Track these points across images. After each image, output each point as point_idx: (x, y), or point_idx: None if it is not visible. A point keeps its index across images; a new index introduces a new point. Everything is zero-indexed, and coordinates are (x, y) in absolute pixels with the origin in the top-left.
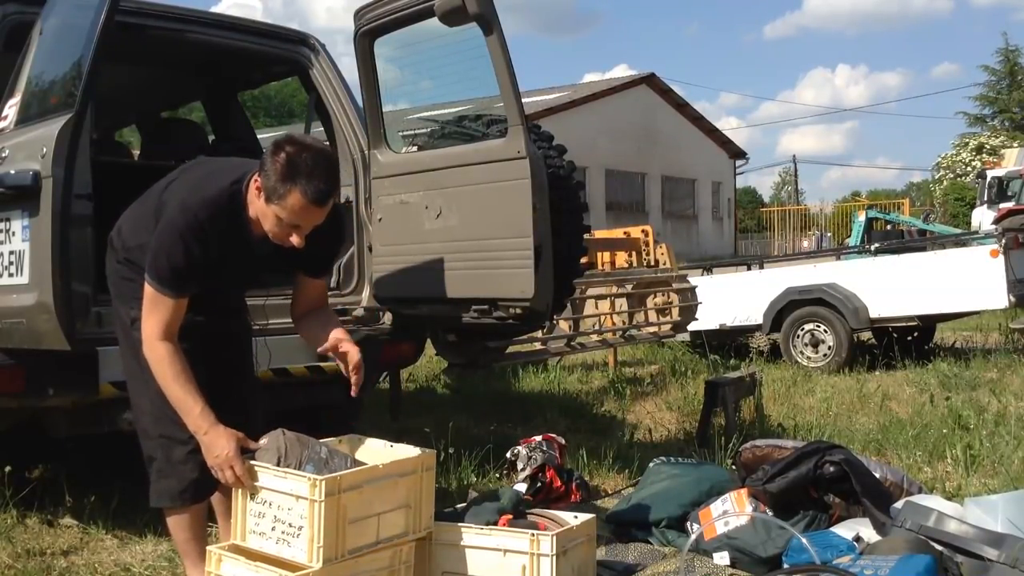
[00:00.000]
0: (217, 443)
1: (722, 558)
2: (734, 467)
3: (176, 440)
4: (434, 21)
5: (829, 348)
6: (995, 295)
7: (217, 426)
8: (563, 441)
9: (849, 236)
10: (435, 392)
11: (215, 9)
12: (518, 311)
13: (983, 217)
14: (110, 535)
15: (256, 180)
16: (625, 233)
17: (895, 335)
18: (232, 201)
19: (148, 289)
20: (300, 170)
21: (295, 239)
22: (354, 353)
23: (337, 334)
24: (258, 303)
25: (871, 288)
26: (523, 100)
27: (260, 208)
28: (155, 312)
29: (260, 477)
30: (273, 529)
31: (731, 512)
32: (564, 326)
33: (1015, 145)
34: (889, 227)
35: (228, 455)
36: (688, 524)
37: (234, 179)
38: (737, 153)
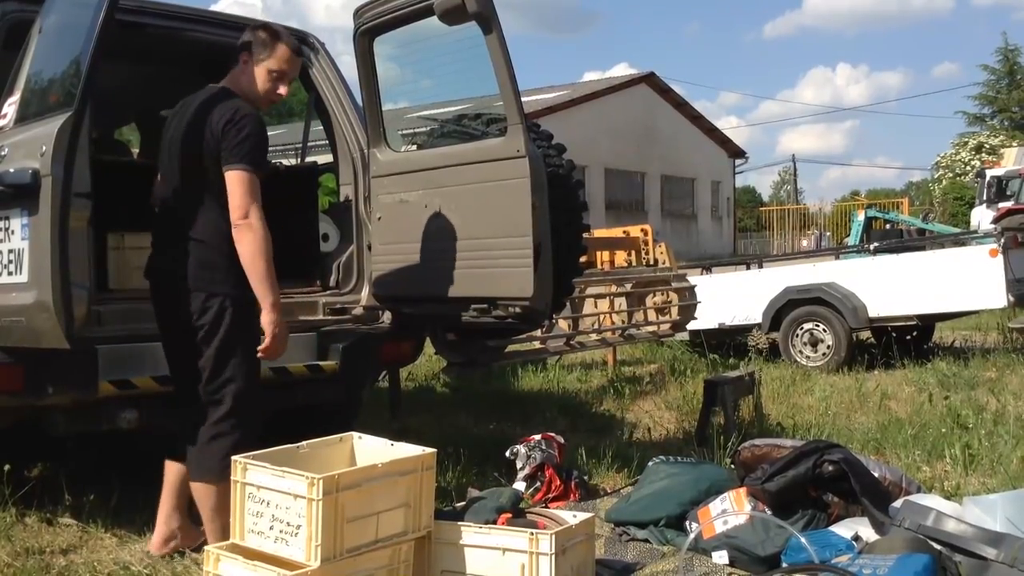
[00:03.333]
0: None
1: (721, 557)
2: (733, 466)
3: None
4: (434, 20)
5: (828, 347)
6: (994, 294)
7: None
8: (562, 440)
9: (848, 235)
10: (434, 391)
11: (215, 8)
12: (517, 310)
13: (982, 216)
14: (109, 534)
15: (245, 62)
16: (624, 232)
17: (894, 334)
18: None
19: (246, 176)
20: (280, 34)
21: (282, 89)
22: None
23: None
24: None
25: (870, 287)
26: (522, 99)
27: (252, 76)
28: (256, 197)
29: (258, 476)
30: (271, 528)
31: (730, 511)
32: (563, 325)
33: (1014, 144)
34: (888, 226)
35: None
36: (687, 523)
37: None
38: (736, 152)
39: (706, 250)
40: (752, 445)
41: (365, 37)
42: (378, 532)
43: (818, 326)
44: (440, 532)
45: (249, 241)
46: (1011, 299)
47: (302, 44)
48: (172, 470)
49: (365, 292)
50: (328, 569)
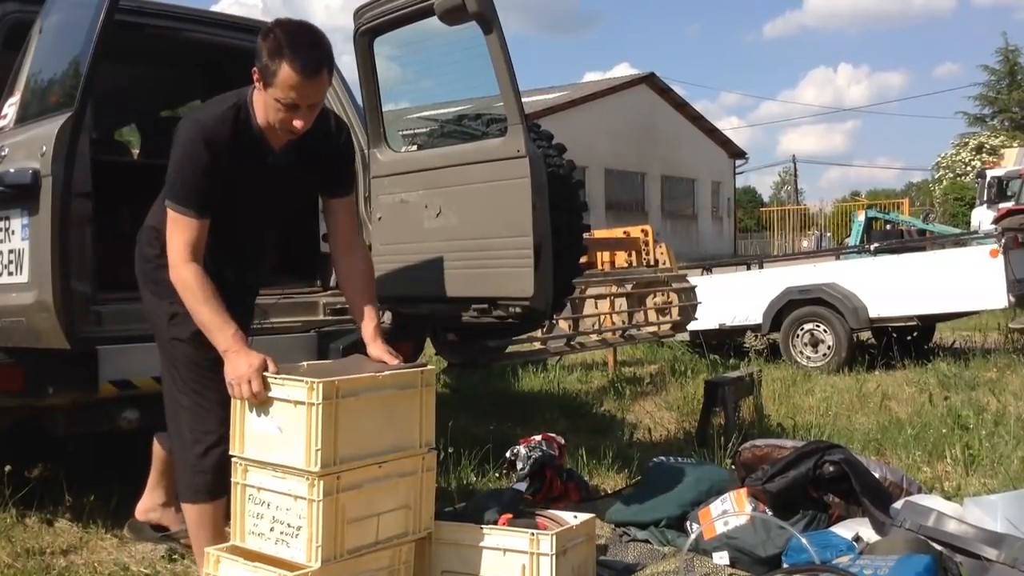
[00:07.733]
0: (244, 360)
1: (721, 558)
2: (733, 467)
3: (209, 434)
4: (434, 20)
5: (828, 348)
6: (995, 295)
7: (248, 348)
8: (562, 441)
9: (848, 236)
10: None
11: (215, 8)
12: (518, 310)
13: (982, 217)
14: (109, 534)
15: (257, 80)
16: (625, 233)
17: (895, 335)
18: (239, 114)
19: (169, 213)
20: (284, 44)
21: (298, 123)
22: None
23: (375, 350)
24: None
25: (870, 288)
26: (523, 99)
27: (262, 101)
28: (178, 233)
29: (258, 478)
30: (272, 529)
31: (731, 512)
32: (564, 325)
33: (1015, 145)
34: (888, 227)
35: (252, 370)
36: (687, 524)
37: (236, 99)
38: (737, 153)
39: (706, 250)
40: (753, 446)
41: (365, 37)
42: (379, 533)
43: (819, 326)
44: (441, 533)
45: None
46: (1012, 299)
47: None
48: (158, 444)
49: None
50: (329, 570)
